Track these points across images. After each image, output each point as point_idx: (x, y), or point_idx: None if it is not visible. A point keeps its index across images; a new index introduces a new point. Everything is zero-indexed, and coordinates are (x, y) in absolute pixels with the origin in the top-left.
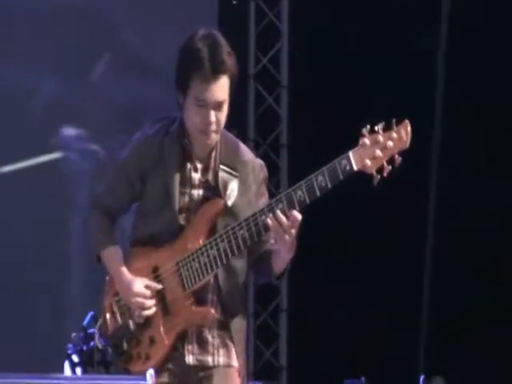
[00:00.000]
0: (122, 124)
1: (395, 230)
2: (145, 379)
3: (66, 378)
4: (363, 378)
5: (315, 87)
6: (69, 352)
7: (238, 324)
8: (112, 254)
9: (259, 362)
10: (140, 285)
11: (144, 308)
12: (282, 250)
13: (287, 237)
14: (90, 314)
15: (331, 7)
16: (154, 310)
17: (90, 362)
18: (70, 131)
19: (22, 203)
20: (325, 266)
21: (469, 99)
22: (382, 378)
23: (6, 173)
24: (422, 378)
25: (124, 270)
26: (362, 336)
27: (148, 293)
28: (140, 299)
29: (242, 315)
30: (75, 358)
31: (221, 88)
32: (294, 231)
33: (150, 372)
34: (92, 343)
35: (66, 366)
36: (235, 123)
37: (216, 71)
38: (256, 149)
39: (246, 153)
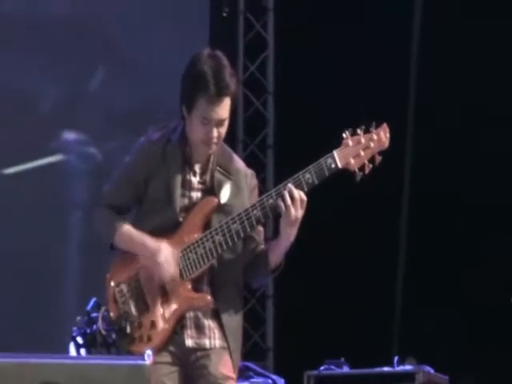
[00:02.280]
0: (118, 129)
1: (371, 220)
2: (143, 359)
3: (72, 358)
4: (343, 359)
5: (299, 93)
6: (74, 334)
7: (231, 314)
8: (128, 231)
9: (248, 344)
10: (167, 251)
11: (170, 273)
12: (283, 237)
13: (295, 215)
14: (93, 299)
15: (315, 19)
16: (177, 275)
17: (93, 344)
18: (70, 135)
19: (25, 202)
20: (306, 256)
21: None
22: (360, 359)
23: (10, 174)
24: (396, 358)
25: (147, 237)
26: (343, 320)
27: (173, 261)
28: (167, 264)
29: (235, 306)
30: (79, 340)
31: (224, 108)
32: (301, 211)
33: (148, 353)
34: (95, 327)
35: (71, 347)
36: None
37: (221, 94)
38: (244, 149)
39: (239, 161)
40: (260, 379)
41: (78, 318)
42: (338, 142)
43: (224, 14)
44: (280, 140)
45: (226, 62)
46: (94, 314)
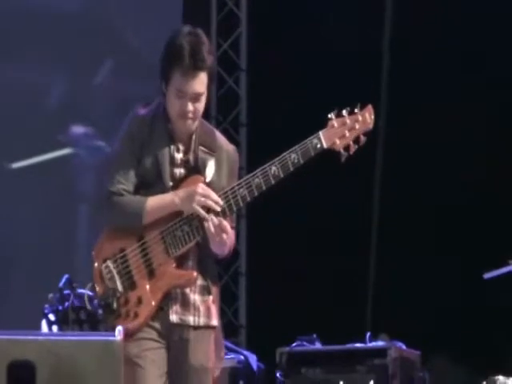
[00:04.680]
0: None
1: (344, 200)
2: (113, 335)
3: (43, 335)
4: (315, 335)
5: (272, 70)
6: (46, 311)
7: (215, 288)
8: (152, 200)
9: (221, 321)
10: (190, 188)
11: (214, 200)
12: (215, 250)
13: (219, 239)
14: (66, 276)
15: None
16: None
17: (65, 321)
18: (78, 129)
19: (35, 195)
20: (279, 234)
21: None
22: (332, 336)
23: (19, 168)
24: (368, 335)
25: (171, 194)
26: (315, 298)
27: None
28: (205, 199)
29: (216, 280)
30: (52, 317)
31: (199, 82)
32: (224, 236)
33: (119, 328)
34: (67, 304)
35: (43, 324)
36: None
37: (196, 67)
38: (217, 126)
39: (222, 138)
40: (232, 355)
41: (50, 295)
42: (311, 119)
43: None
44: (252, 118)
45: (205, 39)
46: (67, 291)
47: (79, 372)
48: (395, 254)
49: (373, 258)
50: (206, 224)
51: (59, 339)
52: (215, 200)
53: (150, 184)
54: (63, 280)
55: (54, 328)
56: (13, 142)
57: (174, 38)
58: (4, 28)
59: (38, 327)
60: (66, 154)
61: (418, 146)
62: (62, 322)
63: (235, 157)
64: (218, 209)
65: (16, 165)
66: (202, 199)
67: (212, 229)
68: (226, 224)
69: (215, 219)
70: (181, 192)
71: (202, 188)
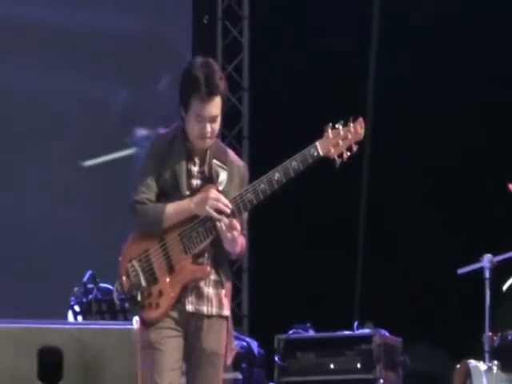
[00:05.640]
0: None
1: (333, 197)
2: (131, 324)
3: (70, 324)
4: (309, 324)
5: (271, 90)
6: (71, 303)
7: (228, 283)
8: (170, 206)
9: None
10: (204, 193)
11: (225, 203)
12: (228, 248)
13: (230, 236)
14: (89, 272)
15: (285, 25)
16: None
17: (89, 312)
18: (141, 131)
19: (102, 191)
20: (278, 235)
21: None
22: (324, 324)
23: (88, 166)
24: (355, 323)
25: (182, 202)
26: (309, 291)
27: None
28: (216, 202)
29: (229, 276)
30: (77, 308)
31: (214, 106)
32: (235, 233)
33: (136, 318)
34: (90, 296)
35: (69, 314)
36: None
37: (211, 94)
38: (223, 140)
39: (233, 155)
40: (236, 342)
41: (76, 288)
42: (307, 132)
43: (205, 21)
44: (254, 132)
45: (216, 67)
46: (90, 285)
47: (101, 356)
48: (380, 255)
49: (360, 256)
50: (218, 224)
51: (84, 328)
52: (225, 203)
53: (169, 193)
54: (87, 275)
55: (79, 318)
56: (85, 144)
57: (189, 69)
58: (75, 46)
59: (65, 317)
60: (130, 154)
61: (405, 150)
62: (86, 312)
63: (245, 171)
64: (228, 211)
65: (88, 163)
66: (214, 202)
67: (223, 227)
68: (236, 222)
69: (226, 219)
70: (195, 198)
71: (213, 193)
